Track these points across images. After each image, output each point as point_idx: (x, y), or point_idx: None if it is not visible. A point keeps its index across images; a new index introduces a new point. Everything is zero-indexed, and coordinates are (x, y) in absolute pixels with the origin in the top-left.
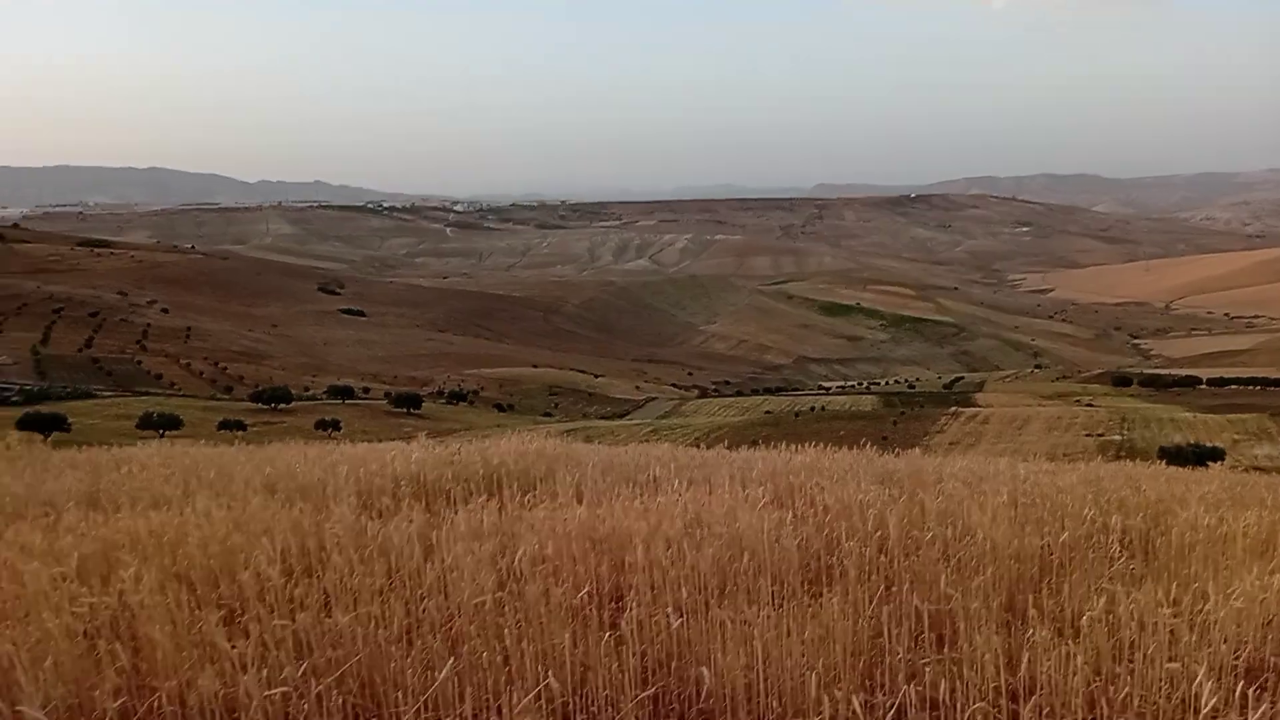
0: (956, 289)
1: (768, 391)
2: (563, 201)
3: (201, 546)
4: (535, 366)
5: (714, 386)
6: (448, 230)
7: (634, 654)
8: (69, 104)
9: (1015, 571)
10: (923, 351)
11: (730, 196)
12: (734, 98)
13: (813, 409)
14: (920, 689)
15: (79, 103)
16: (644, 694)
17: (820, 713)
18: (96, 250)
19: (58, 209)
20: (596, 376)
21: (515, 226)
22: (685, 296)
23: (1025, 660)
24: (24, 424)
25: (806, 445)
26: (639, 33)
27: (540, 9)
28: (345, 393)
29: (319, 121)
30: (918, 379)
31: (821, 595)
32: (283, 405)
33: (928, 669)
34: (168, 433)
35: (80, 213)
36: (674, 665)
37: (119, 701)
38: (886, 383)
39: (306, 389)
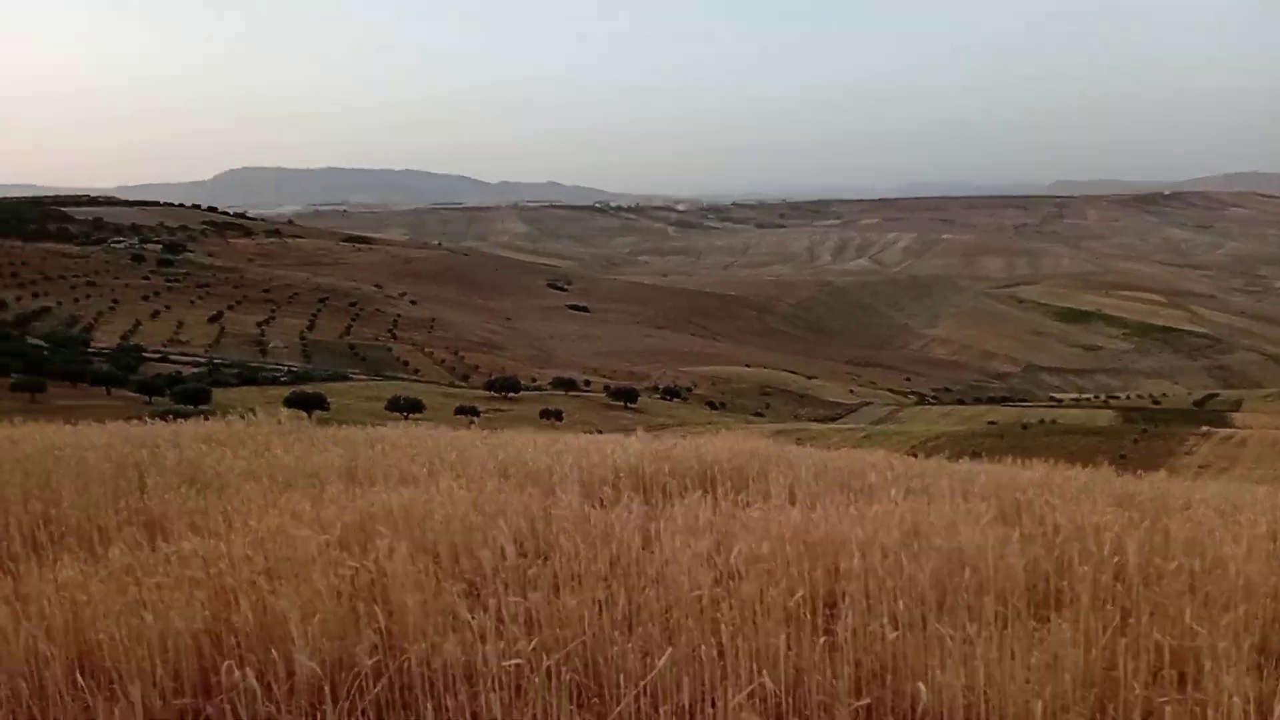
0: (1214, 296)
1: (992, 401)
2: (783, 200)
3: (445, 523)
4: (748, 366)
5: (933, 393)
6: (670, 229)
7: (848, 662)
8: (339, 112)
9: (1272, 611)
10: (1171, 364)
11: (960, 194)
12: (966, 89)
13: (1042, 421)
14: None
15: (347, 111)
16: (858, 704)
17: None
18: (357, 246)
19: (326, 207)
20: (809, 378)
21: (735, 225)
22: (905, 298)
23: (1278, 708)
24: (289, 402)
25: (1034, 460)
26: (863, 25)
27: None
28: (568, 385)
29: (554, 125)
30: (1164, 394)
31: (1049, 620)
32: (512, 394)
33: (1167, 708)
34: (411, 415)
35: (345, 211)
36: (889, 678)
37: (374, 660)
38: (1128, 396)
39: (533, 380)
